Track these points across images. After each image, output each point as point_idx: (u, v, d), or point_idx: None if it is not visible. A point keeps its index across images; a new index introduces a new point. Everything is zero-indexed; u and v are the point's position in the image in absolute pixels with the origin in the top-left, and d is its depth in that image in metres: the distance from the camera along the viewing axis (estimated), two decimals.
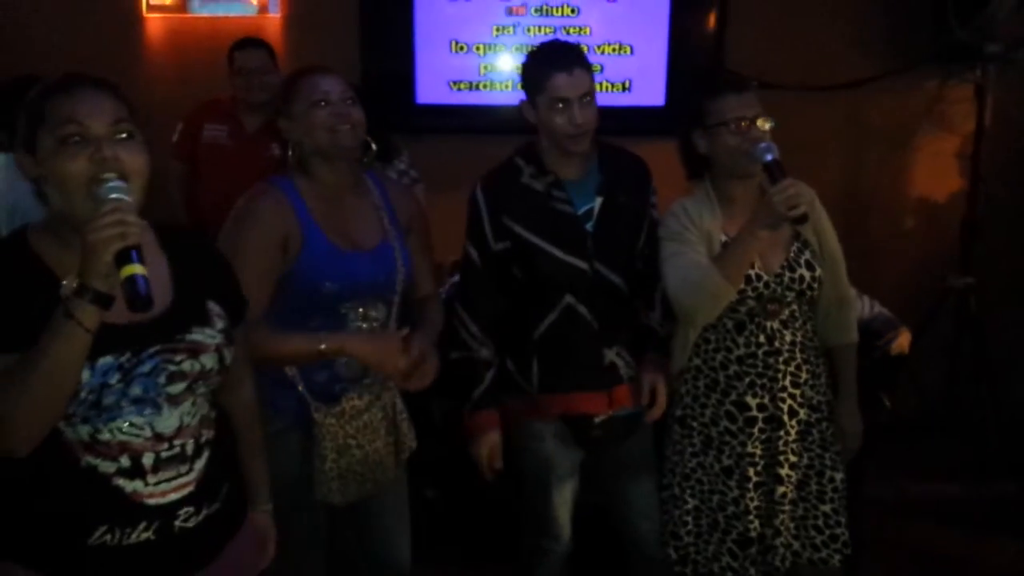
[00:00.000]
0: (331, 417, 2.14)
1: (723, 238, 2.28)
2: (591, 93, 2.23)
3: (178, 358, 1.51)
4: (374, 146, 2.25)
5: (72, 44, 4.05)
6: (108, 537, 1.49)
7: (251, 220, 2.06)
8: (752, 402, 2.29)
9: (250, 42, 3.79)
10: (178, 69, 4.16)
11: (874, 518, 2.42)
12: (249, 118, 3.78)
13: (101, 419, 1.45)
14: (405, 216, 2.29)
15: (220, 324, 1.60)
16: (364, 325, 2.16)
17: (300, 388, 2.13)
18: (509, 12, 4.17)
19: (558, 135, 2.23)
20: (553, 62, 2.22)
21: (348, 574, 2.39)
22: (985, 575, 3.38)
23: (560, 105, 2.20)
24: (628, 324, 2.43)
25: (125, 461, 1.48)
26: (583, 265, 2.29)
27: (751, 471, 2.31)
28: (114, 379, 1.44)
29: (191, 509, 1.56)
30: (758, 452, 2.31)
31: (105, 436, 1.46)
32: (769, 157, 2.14)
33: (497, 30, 4.19)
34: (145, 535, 1.51)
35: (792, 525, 2.35)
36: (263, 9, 4.19)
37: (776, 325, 2.28)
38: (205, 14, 4.18)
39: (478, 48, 4.21)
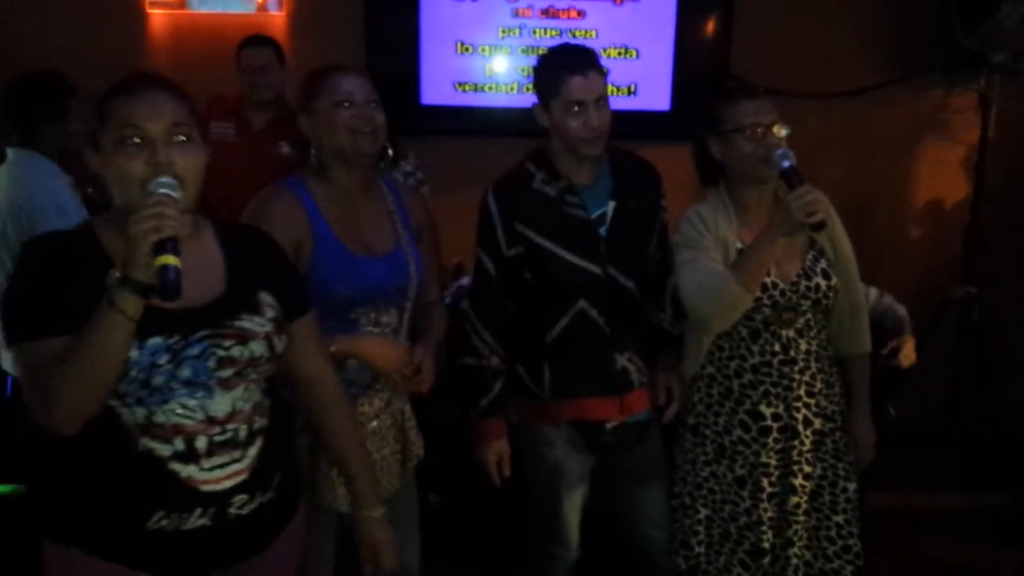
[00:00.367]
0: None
1: (739, 245, 2.26)
2: (605, 96, 2.22)
3: (227, 343, 1.56)
4: (391, 151, 2.23)
5: (75, 40, 4.00)
6: (165, 522, 1.54)
7: (264, 222, 2.02)
8: (767, 411, 2.27)
9: (257, 40, 3.75)
10: (181, 65, 4.11)
11: (877, 527, 2.40)
12: (256, 115, 3.75)
13: (154, 400, 1.50)
14: (417, 221, 2.27)
15: (271, 314, 1.65)
16: (376, 330, 2.14)
17: None
18: (515, 14, 4.15)
19: (573, 138, 2.21)
20: (568, 65, 2.20)
21: None
22: None
23: (576, 108, 2.18)
24: (640, 329, 2.42)
25: (179, 444, 1.53)
26: (596, 270, 2.27)
27: (765, 481, 2.29)
28: (163, 359, 1.49)
29: (245, 497, 1.60)
30: (772, 462, 2.29)
31: (160, 418, 1.51)
32: (786, 164, 2.13)
33: (503, 32, 4.16)
34: (201, 521, 1.56)
35: (805, 536, 2.33)
36: (262, 7, 4.16)
37: (791, 334, 2.27)
38: (204, 11, 4.14)
39: (483, 49, 4.18)
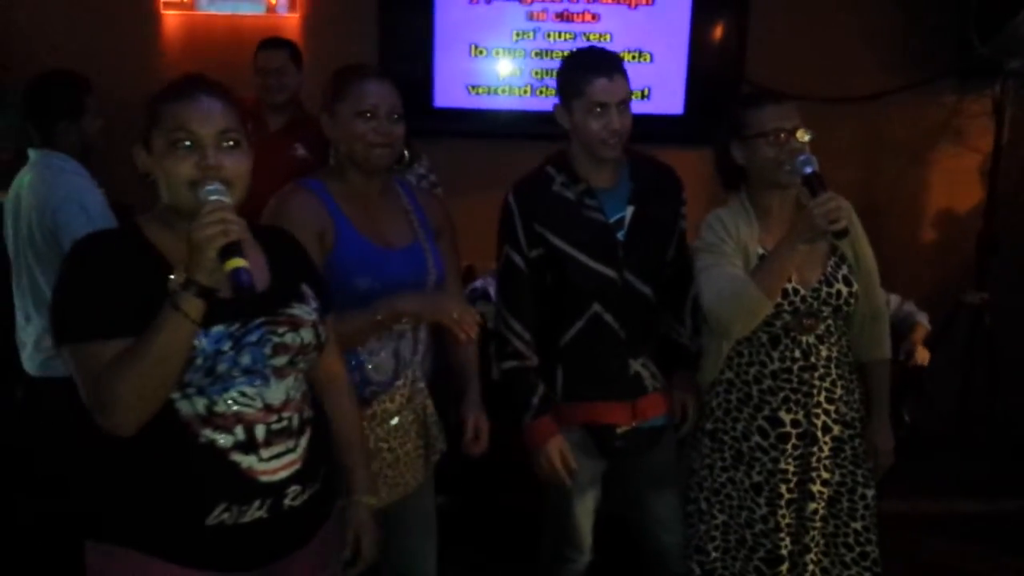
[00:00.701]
0: (362, 420, 2.11)
1: (760, 251, 2.25)
2: (628, 100, 2.22)
3: (281, 330, 1.62)
4: (407, 154, 2.23)
5: (89, 40, 4.03)
6: (226, 516, 1.56)
7: (285, 218, 2.04)
8: (786, 417, 2.26)
9: (274, 42, 3.74)
10: (195, 66, 4.08)
11: (888, 533, 2.40)
12: (272, 117, 3.75)
13: (215, 389, 1.54)
14: (435, 220, 2.28)
15: (314, 303, 1.72)
16: (397, 326, 2.13)
17: None
18: (529, 17, 4.15)
19: (593, 140, 2.21)
20: (594, 67, 2.20)
21: None
22: None
23: (599, 109, 2.18)
24: (654, 334, 2.42)
25: (240, 433, 1.57)
26: (612, 274, 2.27)
27: (783, 488, 2.28)
28: (226, 346, 1.54)
29: (298, 487, 1.64)
30: (791, 468, 2.28)
31: (221, 408, 1.55)
32: (809, 170, 2.11)
33: (517, 35, 4.17)
34: (259, 513, 1.59)
35: (822, 542, 2.32)
36: (271, 8, 4.16)
37: (812, 340, 2.26)
38: (213, 11, 4.15)
39: (497, 52, 4.18)
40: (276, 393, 1.61)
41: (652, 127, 4.16)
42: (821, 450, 2.28)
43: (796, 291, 2.22)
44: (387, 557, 2.31)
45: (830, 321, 2.28)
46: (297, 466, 1.64)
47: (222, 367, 1.54)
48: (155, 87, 4.22)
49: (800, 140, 2.18)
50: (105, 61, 3.92)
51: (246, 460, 1.57)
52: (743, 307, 2.19)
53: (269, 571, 1.65)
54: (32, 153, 2.88)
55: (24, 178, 2.87)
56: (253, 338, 1.58)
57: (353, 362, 2.11)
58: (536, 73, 4.19)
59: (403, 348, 2.18)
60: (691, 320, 2.40)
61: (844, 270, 2.28)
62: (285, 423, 1.63)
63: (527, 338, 2.31)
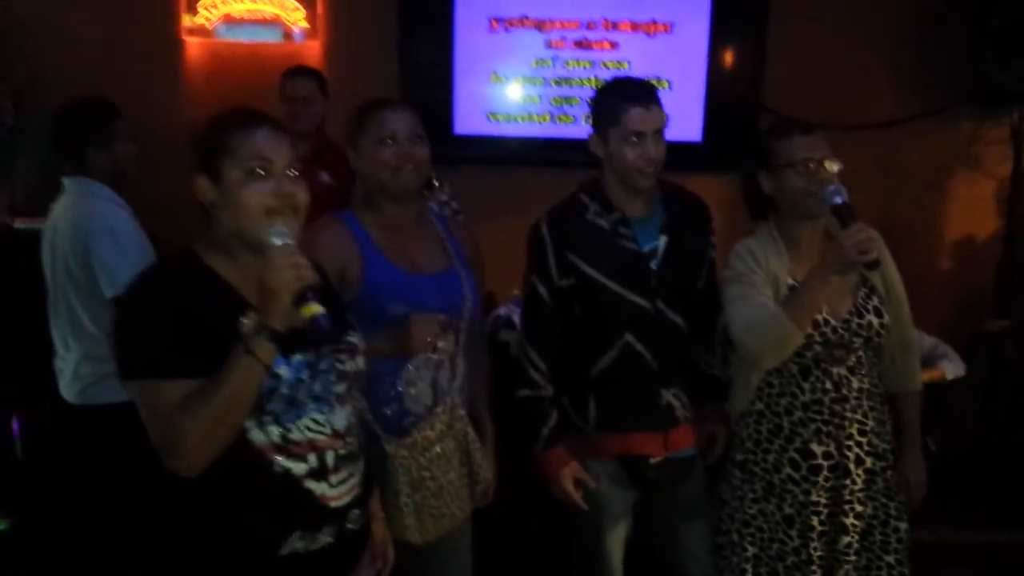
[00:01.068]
0: (403, 449, 2.10)
1: (790, 281, 2.24)
2: (662, 130, 2.22)
3: (343, 358, 1.67)
4: (436, 182, 2.25)
5: (112, 66, 4.06)
6: (300, 544, 1.59)
7: (312, 250, 2.04)
8: (818, 450, 2.24)
9: (300, 71, 3.78)
10: (216, 93, 4.15)
11: (912, 563, 2.37)
12: (297, 145, 3.76)
13: (289, 417, 1.57)
14: (467, 250, 2.29)
15: (358, 331, 1.76)
16: (435, 356, 2.13)
17: (370, 420, 2.08)
18: (548, 45, 4.19)
19: (629, 169, 2.21)
20: (631, 96, 2.22)
21: None
22: None
23: (635, 139, 2.19)
24: (686, 365, 2.41)
25: (313, 460, 1.60)
26: (646, 304, 2.27)
27: (814, 520, 2.26)
28: (305, 375, 1.58)
29: (358, 511, 1.70)
30: (822, 501, 2.26)
31: (295, 435, 1.58)
32: (839, 200, 2.11)
33: (536, 63, 4.20)
34: (326, 539, 1.63)
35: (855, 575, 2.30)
36: (288, 36, 4.19)
37: (843, 371, 2.24)
38: (230, 39, 4.19)
39: (516, 80, 4.22)
40: (340, 419, 1.66)
41: (670, 154, 4.13)
42: (854, 483, 2.25)
43: (827, 322, 2.20)
44: None
45: (861, 352, 2.26)
46: (357, 491, 1.69)
47: (300, 395, 1.57)
48: (179, 114, 4.28)
49: (829, 170, 2.18)
50: (129, 88, 3.93)
51: (318, 487, 1.61)
52: (773, 338, 2.17)
53: None
54: (66, 181, 2.89)
55: (59, 206, 2.89)
56: (324, 366, 1.62)
57: (392, 393, 2.11)
58: (555, 100, 4.21)
59: (441, 378, 2.17)
60: (721, 350, 2.40)
61: (875, 301, 2.27)
62: (350, 448, 1.68)
63: (543, 368, 2.31)
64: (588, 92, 4.17)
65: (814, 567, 2.27)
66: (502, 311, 3.51)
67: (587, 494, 2.35)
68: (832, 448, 2.25)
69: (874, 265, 2.09)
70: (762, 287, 2.24)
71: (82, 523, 2.89)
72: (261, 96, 3.78)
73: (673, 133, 2.30)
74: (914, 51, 4.32)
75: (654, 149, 2.20)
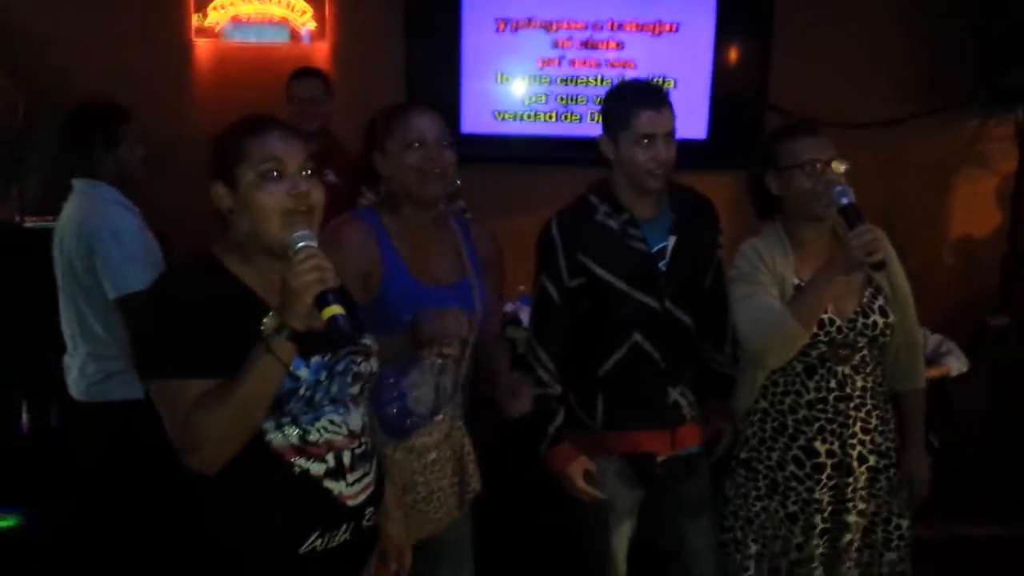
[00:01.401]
0: (400, 451, 2.14)
1: (796, 281, 2.27)
2: (673, 132, 2.25)
3: (359, 359, 1.70)
4: (459, 182, 2.26)
5: (122, 68, 4.09)
6: (319, 542, 1.62)
7: (335, 249, 2.05)
8: (821, 448, 2.27)
9: (307, 72, 3.83)
10: (225, 94, 4.18)
11: (915, 559, 2.40)
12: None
13: (307, 418, 1.60)
14: (485, 254, 2.30)
15: (371, 334, 1.78)
16: (440, 361, 2.16)
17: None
18: (555, 45, 4.21)
19: (640, 171, 2.24)
20: (642, 99, 2.24)
21: None
22: None
23: (646, 141, 2.21)
24: (693, 363, 2.44)
25: (331, 460, 1.64)
26: (655, 304, 2.29)
27: (817, 518, 2.29)
28: (323, 375, 1.61)
29: (372, 509, 1.73)
30: (825, 498, 2.28)
31: (313, 436, 1.61)
32: (845, 200, 2.13)
33: (542, 62, 4.22)
34: (344, 536, 1.66)
35: (857, 572, 2.32)
36: (295, 37, 4.22)
37: (847, 370, 2.27)
38: (237, 40, 4.21)
39: (523, 79, 4.24)
40: (355, 419, 1.69)
41: (676, 152, 4.21)
42: (857, 480, 2.28)
43: (832, 321, 2.23)
44: None
45: (865, 351, 2.28)
46: (371, 488, 1.73)
47: (319, 395, 1.61)
48: (187, 115, 4.29)
49: (836, 171, 2.20)
50: (139, 89, 3.98)
51: (336, 486, 1.64)
52: (779, 337, 2.20)
53: None
54: (75, 183, 2.93)
55: (68, 208, 2.93)
56: (340, 368, 1.65)
57: (395, 393, 2.13)
58: (561, 99, 4.24)
59: (445, 382, 2.20)
60: (731, 348, 2.42)
61: (880, 300, 2.29)
62: (364, 447, 1.71)
63: (551, 368, 2.33)
64: (594, 91, 4.21)
65: (816, 564, 2.30)
66: (508, 308, 3.54)
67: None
68: (835, 446, 2.27)
69: (880, 266, 2.11)
70: (768, 286, 2.26)
71: (88, 518, 2.93)
72: (269, 97, 3.83)
73: (679, 131, 2.31)
74: (918, 49, 4.33)
75: (664, 151, 2.23)
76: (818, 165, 2.20)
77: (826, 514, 2.29)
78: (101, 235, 2.77)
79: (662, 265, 2.31)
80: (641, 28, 4.22)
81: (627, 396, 2.34)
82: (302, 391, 1.57)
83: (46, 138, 3.56)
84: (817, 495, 2.28)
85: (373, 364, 1.75)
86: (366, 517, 1.71)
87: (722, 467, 2.48)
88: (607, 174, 2.35)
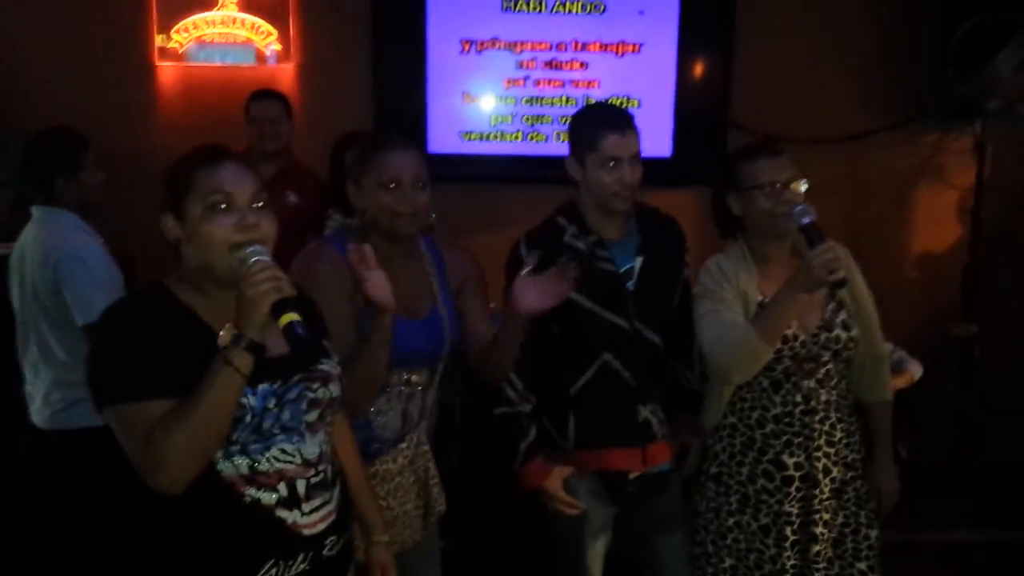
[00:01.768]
0: None
1: (759, 297, 2.30)
2: (638, 154, 2.28)
3: (315, 385, 1.68)
4: (434, 216, 2.24)
5: (84, 90, 4.07)
6: (274, 572, 1.60)
7: (316, 279, 2.04)
8: (789, 461, 2.30)
9: (266, 94, 3.84)
10: (189, 117, 4.17)
11: (883, 565, 2.43)
12: (264, 166, 3.80)
13: (257, 448, 1.58)
14: (458, 277, 2.29)
15: (335, 357, 1.78)
16: (406, 389, 2.17)
17: None
18: (519, 65, 4.24)
19: (606, 193, 2.26)
20: (608, 122, 2.26)
21: None
22: None
23: (612, 164, 2.24)
24: (663, 381, 2.46)
25: (283, 489, 1.62)
26: (624, 324, 2.31)
27: (788, 530, 2.31)
28: (271, 403, 1.59)
29: (334, 538, 1.71)
30: (794, 511, 2.31)
31: (263, 466, 1.60)
32: (806, 220, 2.15)
33: (508, 82, 4.25)
34: (302, 566, 1.64)
35: None
36: (261, 59, 4.22)
37: (812, 384, 2.30)
38: (202, 62, 4.20)
39: (489, 99, 4.27)
40: (311, 448, 1.66)
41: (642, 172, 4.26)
42: (822, 492, 2.31)
43: (796, 336, 2.26)
44: None
45: (830, 365, 2.31)
46: (333, 517, 1.70)
47: (267, 423, 1.58)
48: (150, 138, 4.26)
49: (795, 191, 2.24)
50: (102, 113, 3.97)
51: (290, 516, 1.62)
52: (744, 354, 2.23)
53: None
54: (35, 210, 2.91)
55: (27, 235, 2.90)
56: (292, 395, 1.63)
57: (360, 419, 2.12)
58: (527, 119, 4.27)
59: (411, 409, 2.20)
60: (699, 365, 2.44)
61: (843, 315, 2.32)
62: (321, 476, 1.68)
63: (520, 387, 2.34)
64: (559, 111, 4.24)
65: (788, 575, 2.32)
66: None
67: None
68: (802, 459, 2.30)
69: (841, 284, 2.14)
70: (732, 303, 2.29)
71: (57, 547, 2.89)
72: (235, 119, 3.84)
73: (643, 149, 2.34)
74: (878, 66, 4.42)
75: (630, 174, 2.25)
76: (778, 186, 2.23)
77: (796, 526, 2.32)
78: (68, 262, 2.76)
79: (630, 285, 2.33)
80: (605, 48, 4.26)
81: (598, 415, 2.36)
82: (248, 419, 1.55)
83: (4, 165, 3.52)
84: (787, 507, 2.31)
85: (333, 389, 1.72)
86: (327, 547, 1.68)
87: (692, 482, 2.50)
88: (573, 193, 2.38)
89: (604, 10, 4.25)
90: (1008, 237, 4.48)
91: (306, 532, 1.64)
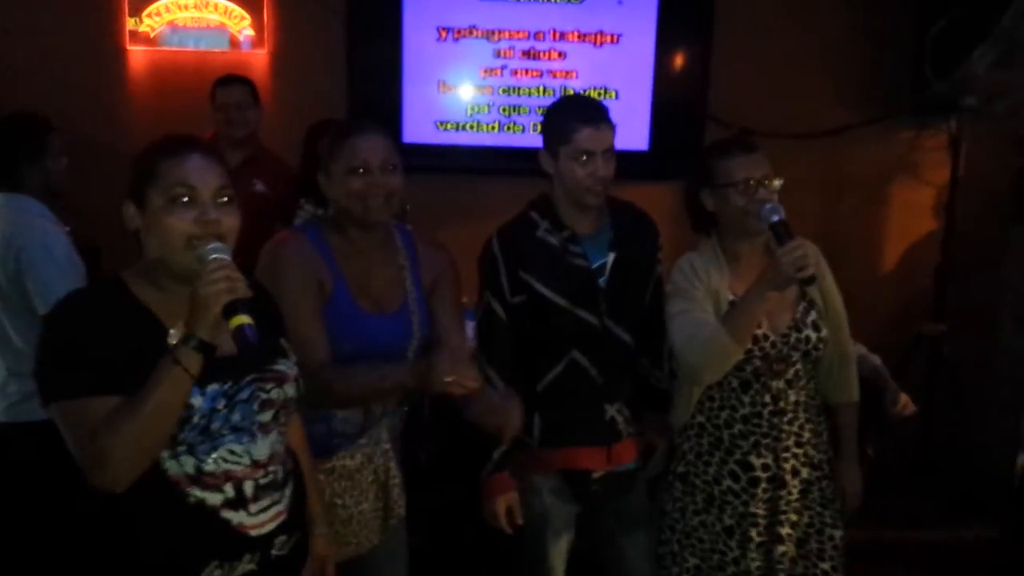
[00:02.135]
0: (320, 472, 2.10)
1: (730, 296, 2.29)
2: (612, 148, 2.26)
3: (268, 386, 1.65)
4: (408, 207, 2.22)
5: (55, 76, 4.00)
6: (218, 572, 1.59)
7: (285, 265, 2.04)
8: (756, 462, 2.29)
9: (232, 79, 3.79)
10: (161, 102, 4.11)
11: (850, 564, 2.44)
12: (230, 154, 3.75)
13: (204, 448, 1.56)
14: (431, 274, 2.26)
15: (293, 357, 1.75)
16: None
17: None
18: (497, 55, 4.20)
19: (579, 187, 2.24)
20: (581, 115, 2.24)
21: None
22: None
23: (584, 157, 2.21)
24: (630, 380, 2.44)
25: (230, 490, 1.59)
26: (593, 320, 2.30)
27: (753, 531, 2.31)
28: (221, 404, 1.56)
29: (284, 537, 1.69)
30: (760, 512, 2.31)
31: (210, 467, 1.57)
32: (776, 218, 2.15)
33: (485, 72, 4.21)
34: (249, 566, 1.62)
35: None
36: (235, 44, 4.16)
37: (781, 385, 2.29)
38: (175, 47, 4.13)
39: (465, 89, 4.22)
40: (262, 449, 1.64)
41: (618, 163, 4.21)
42: (790, 493, 2.31)
43: (766, 337, 2.25)
44: None
45: (799, 366, 2.31)
46: (283, 517, 1.68)
47: (215, 424, 1.56)
48: (121, 124, 4.20)
49: (770, 188, 2.22)
50: (72, 97, 3.92)
51: (236, 516, 1.60)
52: (713, 353, 2.22)
53: None
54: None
55: None
56: (244, 395, 1.60)
57: (321, 412, 2.10)
58: (504, 109, 4.23)
59: (374, 406, 2.17)
60: (668, 364, 2.43)
61: (813, 315, 2.32)
62: (271, 477, 1.66)
63: (501, 387, 2.31)
64: (537, 101, 4.21)
65: None
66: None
67: (530, 507, 2.37)
68: (770, 460, 2.30)
69: (810, 281, 2.13)
70: (703, 302, 2.28)
71: (12, 541, 2.84)
72: (206, 106, 3.78)
73: (620, 142, 2.32)
74: (855, 62, 4.42)
75: (603, 168, 2.23)
76: (752, 183, 2.22)
77: (761, 527, 2.32)
78: (32, 250, 2.70)
79: (602, 282, 2.31)
80: (583, 38, 4.23)
81: (564, 413, 2.35)
82: (196, 419, 1.53)
83: None
84: (752, 508, 2.31)
85: (288, 390, 1.69)
86: (275, 547, 1.66)
87: (658, 481, 2.49)
88: (548, 187, 2.35)
89: None
90: (981, 235, 4.50)
91: (253, 533, 1.62)
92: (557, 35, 4.22)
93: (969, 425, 4.28)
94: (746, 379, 2.29)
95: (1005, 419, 4.44)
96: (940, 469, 4.29)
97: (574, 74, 4.22)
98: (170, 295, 1.58)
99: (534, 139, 2.36)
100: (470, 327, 2.56)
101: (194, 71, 4.09)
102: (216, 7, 4.13)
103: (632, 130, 4.27)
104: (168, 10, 4.10)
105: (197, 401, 1.53)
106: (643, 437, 2.45)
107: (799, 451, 2.31)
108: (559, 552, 2.43)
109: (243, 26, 4.15)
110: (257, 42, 4.16)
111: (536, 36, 4.21)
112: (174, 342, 1.48)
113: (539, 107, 4.17)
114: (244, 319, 1.46)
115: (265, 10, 4.16)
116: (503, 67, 4.21)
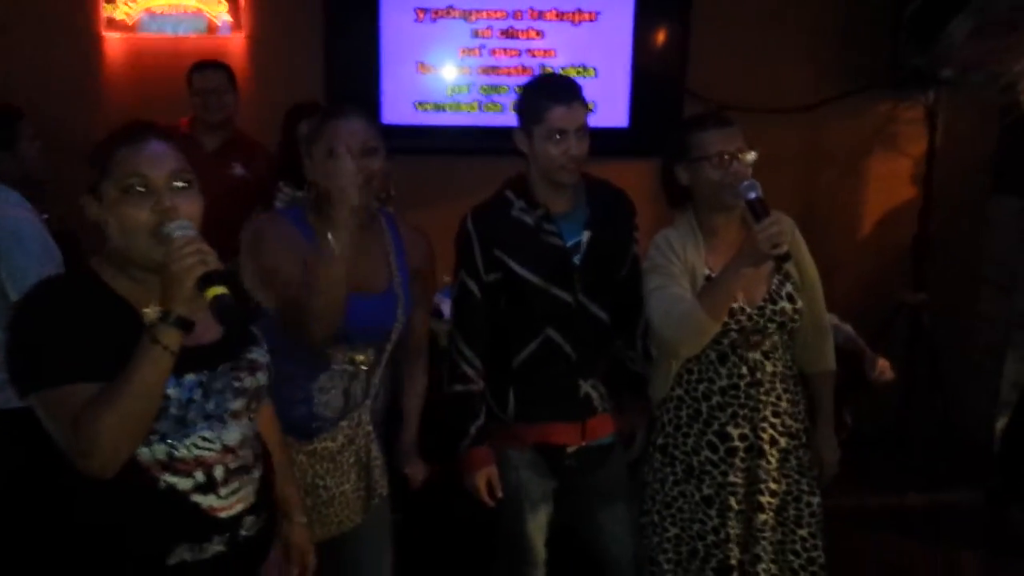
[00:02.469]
0: (301, 454, 2.14)
1: (706, 271, 2.32)
2: (585, 127, 2.27)
3: (242, 375, 1.66)
4: (393, 192, 2.23)
5: (30, 63, 3.96)
6: (188, 555, 1.59)
7: (271, 241, 2.06)
8: (734, 432, 2.33)
9: (209, 64, 3.78)
10: (139, 88, 4.09)
11: (833, 529, 2.49)
12: (208, 138, 3.77)
13: (178, 436, 1.55)
14: (414, 262, 2.28)
15: (264, 345, 1.75)
16: (350, 368, 2.17)
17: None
18: (475, 34, 4.19)
19: (552, 166, 2.26)
20: (553, 94, 2.25)
21: None
22: None
23: (558, 136, 2.23)
24: (605, 356, 2.47)
25: (200, 476, 1.60)
26: (568, 298, 2.32)
27: (732, 500, 2.35)
28: (197, 394, 1.57)
29: (253, 518, 1.69)
30: (739, 481, 2.34)
31: (182, 453, 1.57)
32: (752, 195, 2.16)
33: (463, 52, 4.20)
34: (218, 548, 1.62)
35: (771, 551, 2.39)
36: (212, 29, 4.14)
37: (758, 356, 2.33)
38: (153, 33, 4.11)
39: (444, 69, 4.21)
40: (233, 435, 1.64)
41: (598, 140, 4.17)
42: (769, 463, 2.35)
43: (742, 310, 2.28)
44: None
45: (776, 337, 2.35)
46: (252, 499, 1.69)
47: (192, 414, 1.56)
48: (97, 110, 4.17)
49: (744, 162, 2.25)
50: (46, 84, 3.89)
51: (206, 500, 1.60)
52: (690, 329, 2.25)
53: None
54: None
55: None
56: (219, 385, 1.60)
57: (302, 395, 2.13)
58: (483, 89, 4.23)
59: (355, 388, 2.20)
60: (642, 344, 2.46)
61: (788, 287, 2.35)
62: (242, 461, 1.67)
63: (477, 364, 2.36)
64: (516, 80, 4.21)
65: (731, 544, 2.36)
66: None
67: (507, 481, 2.41)
68: (748, 430, 2.33)
69: (786, 258, 2.15)
70: (680, 278, 2.31)
71: None
72: (183, 91, 3.77)
73: (600, 119, 2.35)
74: (832, 36, 4.43)
75: (576, 146, 2.25)
76: (726, 156, 2.24)
77: (740, 496, 2.35)
78: (5, 238, 2.69)
79: (576, 259, 2.33)
80: (561, 16, 4.22)
81: (539, 388, 2.38)
82: (172, 410, 1.53)
83: None
84: (731, 478, 2.34)
85: (260, 378, 1.70)
86: (244, 527, 1.67)
87: (640, 459, 2.53)
88: (526, 166, 2.37)
89: None
90: (959, 205, 4.54)
91: (222, 515, 1.62)
92: (535, 14, 4.20)
93: (949, 392, 4.34)
94: (723, 351, 2.32)
95: (984, 386, 4.53)
96: (920, 435, 4.35)
97: (553, 52, 4.21)
98: (139, 282, 1.58)
99: (513, 119, 2.36)
100: (447, 306, 2.59)
101: (171, 56, 4.06)
102: None
103: (611, 107, 4.28)
104: None
105: (174, 392, 1.52)
106: (621, 414, 2.48)
107: (776, 421, 2.35)
108: (538, 525, 2.47)
109: (220, 11, 4.12)
110: (235, 26, 4.14)
111: (514, 15, 4.19)
112: (151, 321, 1.47)
113: (518, 86, 4.14)
114: (220, 290, 1.45)
115: None
116: (481, 47, 4.20)
